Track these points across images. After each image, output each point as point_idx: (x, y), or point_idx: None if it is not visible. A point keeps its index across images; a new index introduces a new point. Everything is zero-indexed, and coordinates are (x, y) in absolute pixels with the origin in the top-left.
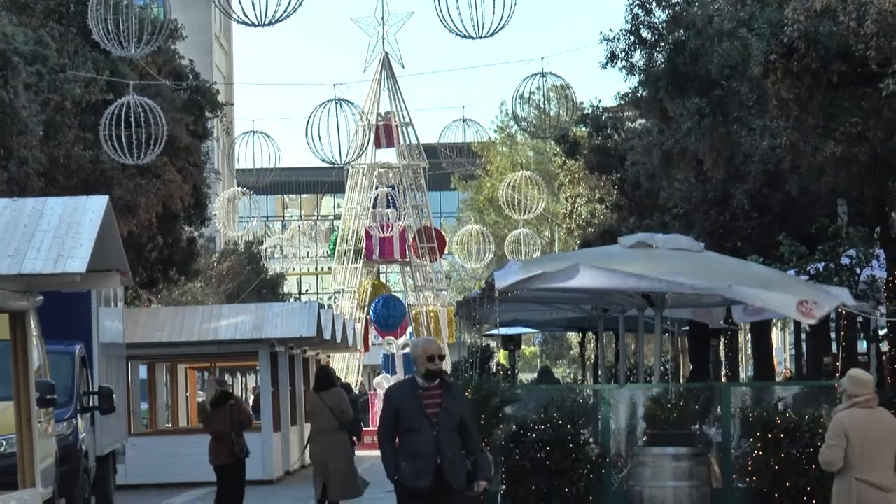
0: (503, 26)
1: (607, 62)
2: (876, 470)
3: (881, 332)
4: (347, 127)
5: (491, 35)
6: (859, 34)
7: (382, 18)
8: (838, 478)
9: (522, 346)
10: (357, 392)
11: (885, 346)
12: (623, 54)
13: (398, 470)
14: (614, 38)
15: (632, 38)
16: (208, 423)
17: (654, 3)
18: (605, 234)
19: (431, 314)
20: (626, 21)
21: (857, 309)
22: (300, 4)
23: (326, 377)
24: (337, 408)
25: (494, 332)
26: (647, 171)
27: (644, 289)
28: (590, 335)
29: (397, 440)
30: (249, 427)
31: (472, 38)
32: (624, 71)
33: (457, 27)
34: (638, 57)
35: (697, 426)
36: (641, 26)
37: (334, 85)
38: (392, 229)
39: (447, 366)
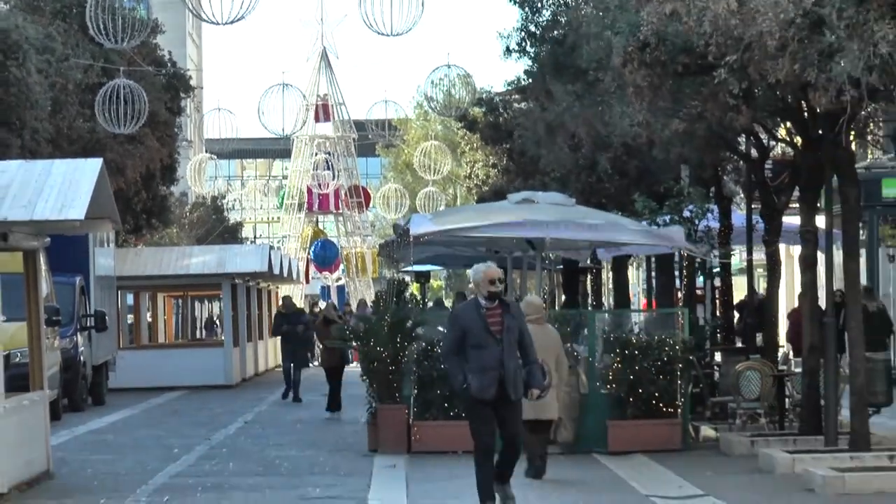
0: (410, 29)
1: (505, 53)
2: None
3: (714, 271)
4: (292, 104)
5: (401, 34)
6: (699, 33)
7: (321, 19)
8: None
9: (431, 281)
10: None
11: (717, 282)
12: (517, 46)
13: (466, 380)
14: (508, 35)
15: (522, 33)
16: (323, 336)
17: (540, 4)
18: (497, 193)
19: (359, 255)
20: (519, 19)
21: (695, 251)
22: (253, 8)
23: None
24: None
25: (409, 269)
26: (534, 139)
27: (527, 235)
28: None
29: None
30: None
31: (387, 35)
32: (518, 56)
33: (376, 27)
34: (528, 47)
35: (570, 345)
36: (530, 24)
37: (282, 72)
38: (328, 187)
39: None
